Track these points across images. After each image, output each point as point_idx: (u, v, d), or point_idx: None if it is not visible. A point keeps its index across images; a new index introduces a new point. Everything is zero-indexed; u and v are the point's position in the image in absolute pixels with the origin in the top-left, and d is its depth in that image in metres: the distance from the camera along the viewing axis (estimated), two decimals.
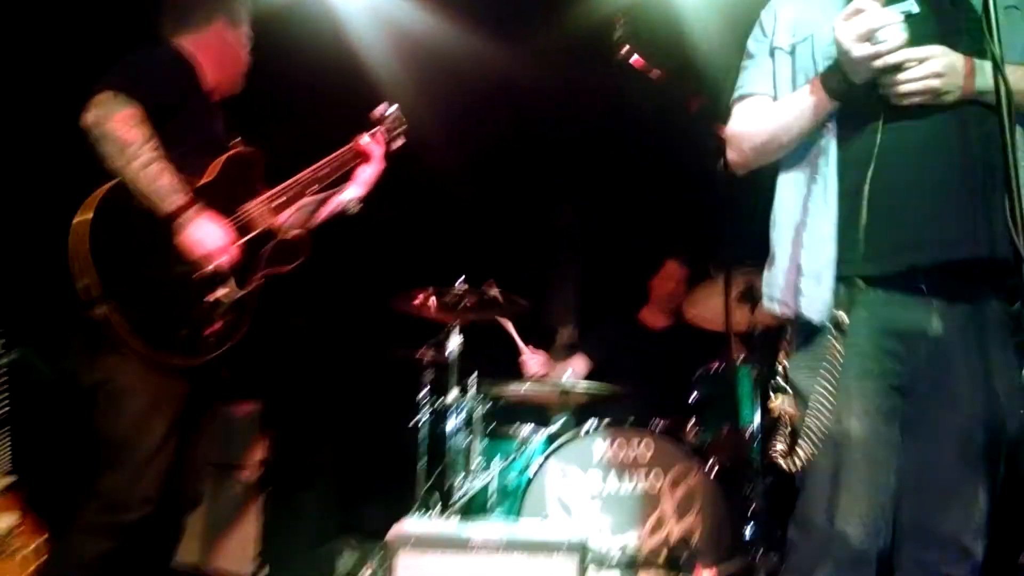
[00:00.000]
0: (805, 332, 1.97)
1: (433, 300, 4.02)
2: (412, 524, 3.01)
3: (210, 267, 2.33)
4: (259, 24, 2.80)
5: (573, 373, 4.24)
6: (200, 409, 2.53)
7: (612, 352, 4.61)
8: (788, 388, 1.99)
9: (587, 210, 5.33)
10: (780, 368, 2.02)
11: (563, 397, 4.04)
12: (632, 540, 3.51)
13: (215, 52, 2.56)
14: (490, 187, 5.15)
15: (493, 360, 4.31)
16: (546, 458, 3.61)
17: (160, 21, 2.60)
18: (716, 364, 4.15)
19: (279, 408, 4.44)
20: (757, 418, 3.62)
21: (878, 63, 1.85)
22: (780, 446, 1.98)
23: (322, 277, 4.59)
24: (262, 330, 2.66)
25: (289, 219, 2.67)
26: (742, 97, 2.15)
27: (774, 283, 2.03)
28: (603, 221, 5.34)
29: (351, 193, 2.78)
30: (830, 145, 1.97)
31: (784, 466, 1.95)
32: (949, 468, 1.92)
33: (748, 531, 3.47)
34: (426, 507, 4.05)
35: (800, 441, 1.95)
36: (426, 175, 4.61)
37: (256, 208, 2.49)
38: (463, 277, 4.03)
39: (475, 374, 4.09)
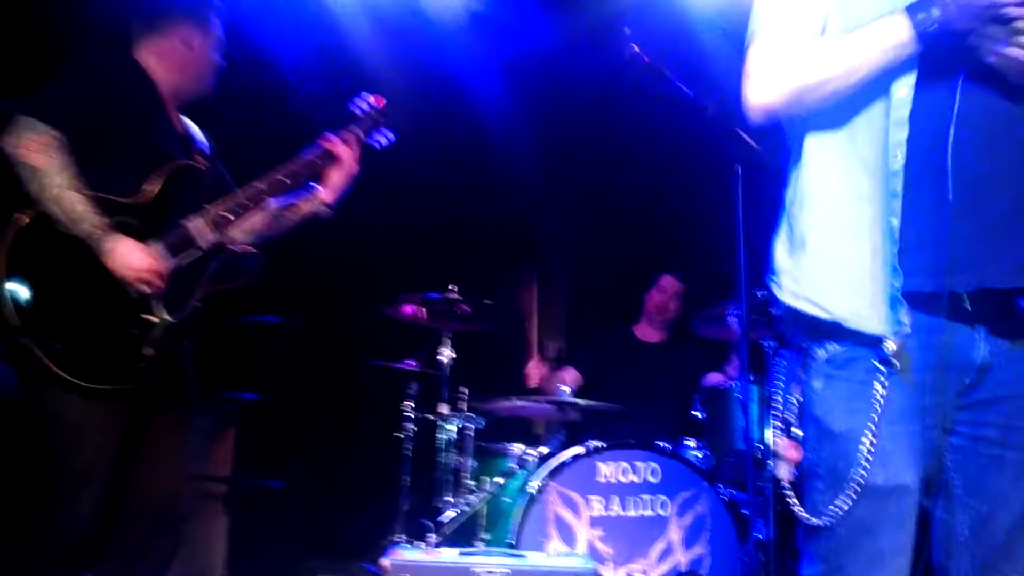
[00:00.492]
0: (841, 355, 1.63)
1: (423, 307, 3.77)
2: (408, 552, 2.75)
3: (136, 292, 2.26)
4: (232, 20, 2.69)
5: (565, 388, 4.00)
6: (165, 427, 2.43)
7: (606, 366, 4.40)
8: (802, 425, 1.72)
9: (579, 220, 5.10)
10: (794, 401, 1.71)
11: (559, 415, 3.80)
12: (637, 570, 3.28)
13: (179, 57, 2.48)
14: (477, 194, 4.91)
15: (482, 373, 4.06)
16: (546, 480, 3.37)
17: (127, 29, 2.52)
18: (721, 381, 3.95)
19: (251, 418, 4.16)
20: (765, 437, 3.41)
21: (1007, 10, 1.47)
22: (817, 497, 1.70)
23: (301, 281, 4.33)
24: (232, 336, 2.49)
25: (248, 230, 2.56)
26: (776, 27, 1.70)
27: (805, 276, 1.66)
28: (595, 232, 5.13)
29: (320, 197, 2.60)
30: (902, 103, 1.57)
31: (808, 519, 1.68)
32: (1012, 511, 1.62)
33: (758, 561, 3.26)
34: (410, 528, 3.80)
35: (819, 489, 1.68)
36: (414, 181, 4.38)
37: (199, 224, 2.38)
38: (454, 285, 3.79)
39: (464, 387, 3.83)
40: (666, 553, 3.31)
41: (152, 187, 2.32)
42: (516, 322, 4.06)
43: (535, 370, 4.30)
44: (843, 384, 1.64)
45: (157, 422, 2.39)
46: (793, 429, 1.72)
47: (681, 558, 3.31)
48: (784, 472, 1.71)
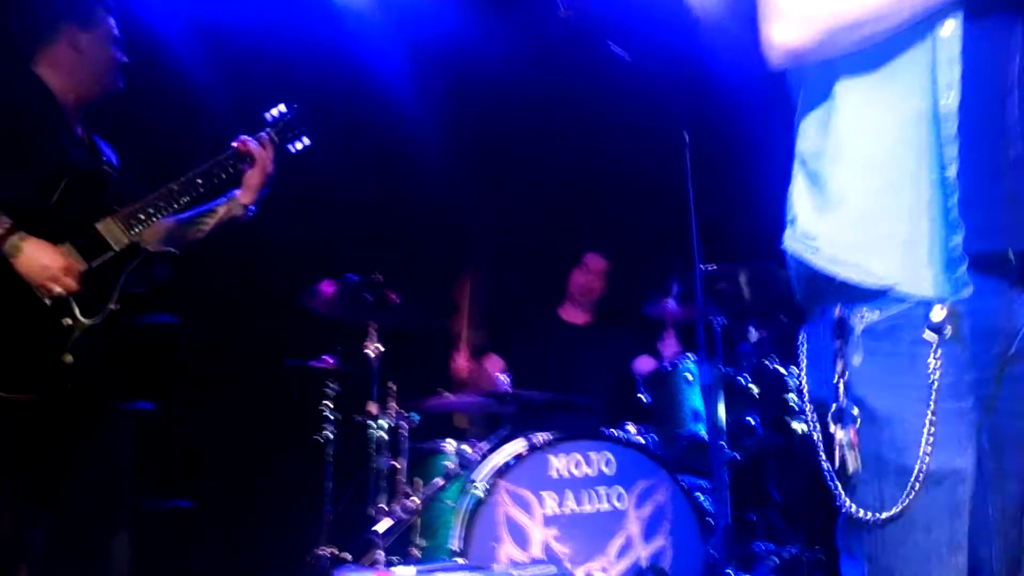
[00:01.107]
0: (882, 324, 1.43)
1: (340, 296, 3.44)
2: (356, 574, 2.44)
3: (48, 293, 2.22)
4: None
5: (503, 378, 3.72)
6: (87, 435, 2.37)
7: (532, 351, 4.16)
8: (851, 410, 1.51)
9: (500, 200, 4.84)
10: (839, 382, 1.52)
11: (497, 408, 3.53)
12: (596, 569, 3.05)
13: (69, 62, 2.44)
14: (394, 179, 4.59)
15: (407, 368, 3.75)
16: (494, 479, 3.09)
17: (22, 42, 2.49)
18: (656, 363, 3.77)
19: (149, 431, 3.71)
20: (721, 420, 3.24)
21: None
22: (861, 488, 1.49)
23: (202, 276, 3.90)
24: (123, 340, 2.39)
25: (166, 237, 2.55)
26: None
27: (843, 237, 1.46)
28: (517, 212, 4.87)
29: (238, 200, 2.59)
30: (951, 40, 1.38)
31: (853, 513, 1.48)
32: None
33: (718, 550, 3.09)
34: (338, 540, 3.47)
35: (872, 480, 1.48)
36: (328, 170, 4.03)
37: (110, 225, 2.36)
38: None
39: (392, 384, 3.51)
40: (626, 548, 3.10)
41: (55, 191, 2.30)
42: (448, 313, 3.77)
43: (463, 362, 4.00)
44: (886, 358, 1.43)
45: (81, 429, 2.33)
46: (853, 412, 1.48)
47: (642, 552, 3.11)
48: (852, 460, 1.47)
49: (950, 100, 1.37)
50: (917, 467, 1.38)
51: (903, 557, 1.43)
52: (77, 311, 2.25)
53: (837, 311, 1.47)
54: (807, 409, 1.55)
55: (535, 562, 2.89)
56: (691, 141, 3.10)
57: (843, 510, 1.48)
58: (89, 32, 2.47)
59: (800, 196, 1.53)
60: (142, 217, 2.38)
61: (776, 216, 1.61)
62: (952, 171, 1.38)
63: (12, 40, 2.47)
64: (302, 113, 2.71)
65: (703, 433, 3.40)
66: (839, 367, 1.47)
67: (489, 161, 4.71)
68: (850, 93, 1.46)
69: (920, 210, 1.40)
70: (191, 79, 4.01)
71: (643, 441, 3.39)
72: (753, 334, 3.61)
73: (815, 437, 1.54)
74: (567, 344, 4.22)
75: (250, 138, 2.58)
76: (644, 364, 4.14)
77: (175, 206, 2.45)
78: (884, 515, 1.41)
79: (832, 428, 1.48)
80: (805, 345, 1.58)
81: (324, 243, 4.23)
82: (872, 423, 1.43)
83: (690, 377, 3.48)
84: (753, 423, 3.45)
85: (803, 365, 1.58)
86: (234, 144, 2.56)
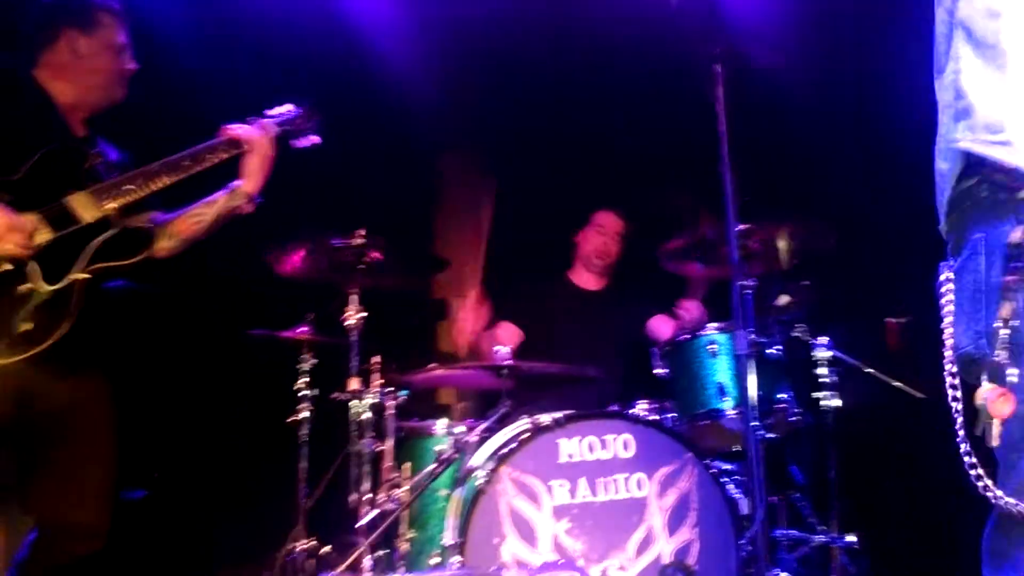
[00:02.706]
0: None
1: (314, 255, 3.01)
2: None
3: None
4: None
5: (502, 348, 3.28)
6: (62, 428, 2.35)
7: (537, 318, 3.74)
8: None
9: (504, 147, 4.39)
10: (1003, 325, 1.14)
11: (499, 381, 3.11)
12: (614, 567, 2.66)
13: (69, 67, 2.46)
14: (383, 132, 4.16)
15: (390, 337, 3.32)
16: (495, 465, 2.68)
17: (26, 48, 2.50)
18: (683, 329, 3.37)
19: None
20: (752, 396, 2.84)
21: None
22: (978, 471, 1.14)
23: None
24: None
25: (171, 234, 2.54)
26: None
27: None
28: (522, 165, 4.42)
29: (241, 189, 2.55)
30: None
31: (1010, 504, 1.12)
32: None
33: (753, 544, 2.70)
34: (317, 533, 3.06)
35: None
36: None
37: (80, 198, 2.34)
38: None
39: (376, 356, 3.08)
40: (647, 542, 2.71)
41: (25, 164, 2.29)
42: (439, 270, 3.32)
43: (469, 322, 3.54)
44: None
45: (54, 396, 2.31)
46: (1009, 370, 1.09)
47: (665, 547, 2.71)
48: (996, 432, 1.09)
49: None
50: None
51: None
52: (40, 279, 2.23)
53: (1019, 233, 1.08)
54: (950, 371, 1.16)
55: (546, 567, 2.48)
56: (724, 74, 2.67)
57: (994, 504, 1.12)
58: (90, 36, 2.48)
59: (971, 76, 1.12)
60: (115, 193, 2.37)
61: (817, 167, 1.24)
62: None
63: (16, 44, 2.50)
64: (310, 111, 2.73)
65: (728, 410, 3.01)
66: (1006, 308, 1.08)
67: (490, 103, 4.28)
68: None
69: None
70: (199, 77, 3.78)
71: (663, 420, 2.99)
72: (783, 299, 3.21)
73: (955, 409, 1.17)
74: (579, 311, 3.82)
75: (239, 124, 2.57)
76: (661, 328, 3.74)
77: (153, 185, 2.42)
78: None
79: (981, 393, 1.12)
80: (950, 283, 1.18)
81: (298, 197, 3.77)
82: None
83: (714, 348, 3.08)
84: (786, 399, 3.06)
85: (947, 311, 1.19)
86: (223, 129, 2.55)
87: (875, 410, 3.97)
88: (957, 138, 1.15)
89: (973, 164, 1.15)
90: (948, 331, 1.18)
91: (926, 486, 3.71)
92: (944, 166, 1.19)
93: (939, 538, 3.62)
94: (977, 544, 1.23)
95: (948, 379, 1.18)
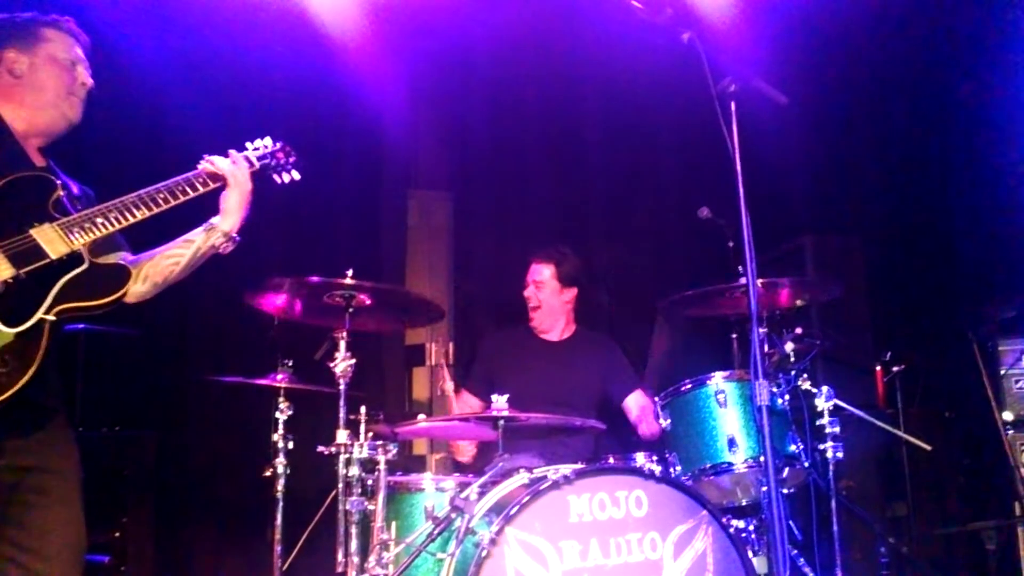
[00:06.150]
0: None
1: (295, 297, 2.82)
2: None
3: None
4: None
5: (499, 398, 3.09)
6: (33, 486, 2.14)
7: (509, 367, 3.58)
8: None
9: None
10: None
11: (493, 432, 2.91)
12: None
13: (12, 89, 2.31)
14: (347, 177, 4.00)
15: (379, 385, 3.12)
16: (500, 525, 2.48)
17: None
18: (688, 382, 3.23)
19: None
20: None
21: None
22: None
23: None
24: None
25: (145, 277, 2.38)
26: None
27: None
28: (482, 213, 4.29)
29: (218, 228, 2.41)
30: None
31: None
32: None
33: None
34: None
35: None
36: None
37: (47, 231, 2.19)
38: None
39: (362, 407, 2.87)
40: None
41: None
42: (437, 318, 3.13)
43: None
44: None
45: (21, 450, 2.12)
46: None
47: None
48: None
49: None
50: None
51: None
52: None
53: None
54: None
55: None
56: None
57: None
58: (30, 53, 2.34)
59: None
60: (87, 226, 2.22)
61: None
62: None
63: None
64: (288, 147, 2.62)
65: (738, 464, 2.86)
66: None
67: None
68: None
69: None
70: (178, 112, 3.65)
71: (676, 475, 2.82)
72: (788, 346, 3.10)
73: None
74: (543, 360, 3.65)
75: (218, 157, 2.45)
76: (637, 411, 3.59)
77: (126, 219, 2.27)
78: None
79: None
80: None
81: (280, 236, 3.58)
82: None
83: (722, 398, 2.94)
84: (796, 451, 2.93)
85: None
86: (204, 162, 2.43)
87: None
88: None
89: None
90: None
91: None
92: None
93: None
94: None
95: None
